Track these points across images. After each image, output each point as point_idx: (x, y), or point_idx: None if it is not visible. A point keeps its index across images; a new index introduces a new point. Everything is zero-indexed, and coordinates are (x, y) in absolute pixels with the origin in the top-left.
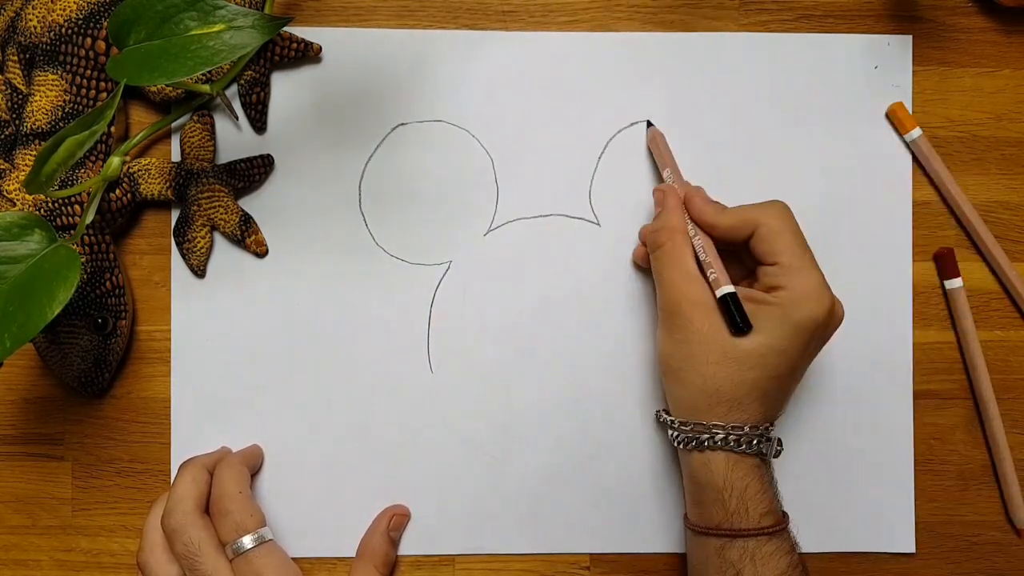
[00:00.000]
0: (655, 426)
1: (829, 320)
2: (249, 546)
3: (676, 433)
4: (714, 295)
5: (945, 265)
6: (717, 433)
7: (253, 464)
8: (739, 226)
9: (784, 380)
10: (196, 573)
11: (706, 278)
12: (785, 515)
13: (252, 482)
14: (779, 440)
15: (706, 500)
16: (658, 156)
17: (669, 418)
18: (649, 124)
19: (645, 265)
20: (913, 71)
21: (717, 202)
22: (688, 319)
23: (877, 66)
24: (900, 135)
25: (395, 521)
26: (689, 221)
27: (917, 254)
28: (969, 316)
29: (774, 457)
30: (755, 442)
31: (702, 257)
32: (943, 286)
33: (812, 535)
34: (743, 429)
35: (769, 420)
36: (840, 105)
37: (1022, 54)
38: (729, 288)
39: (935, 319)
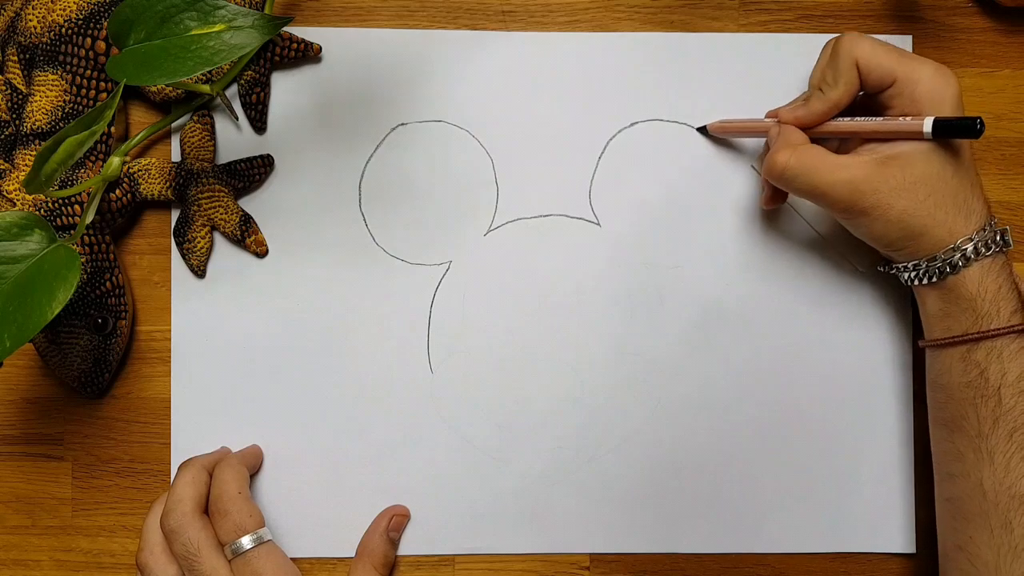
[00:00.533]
0: (655, 425)
1: (959, 86)
2: (248, 547)
3: (923, 272)
4: (921, 137)
5: None
6: (966, 248)
7: (252, 464)
8: (847, 80)
9: (972, 159)
10: (195, 573)
11: (875, 136)
12: None
13: (252, 482)
14: (1008, 228)
15: (955, 312)
16: (745, 131)
17: (909, 264)
18: (701, 129)
19: (772, 206)
20: None
21: (794, 103)
22: (878, 189)
23: None
24: None
25: (395, 522)
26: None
27: None
28: None
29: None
30: (998, 237)
31: (875, 123)
32: None
33: (812, 535)
34: (985, 230)
35: (988, 204)
36: None
37: (1022, 54)
38: (930, 117)
39: None
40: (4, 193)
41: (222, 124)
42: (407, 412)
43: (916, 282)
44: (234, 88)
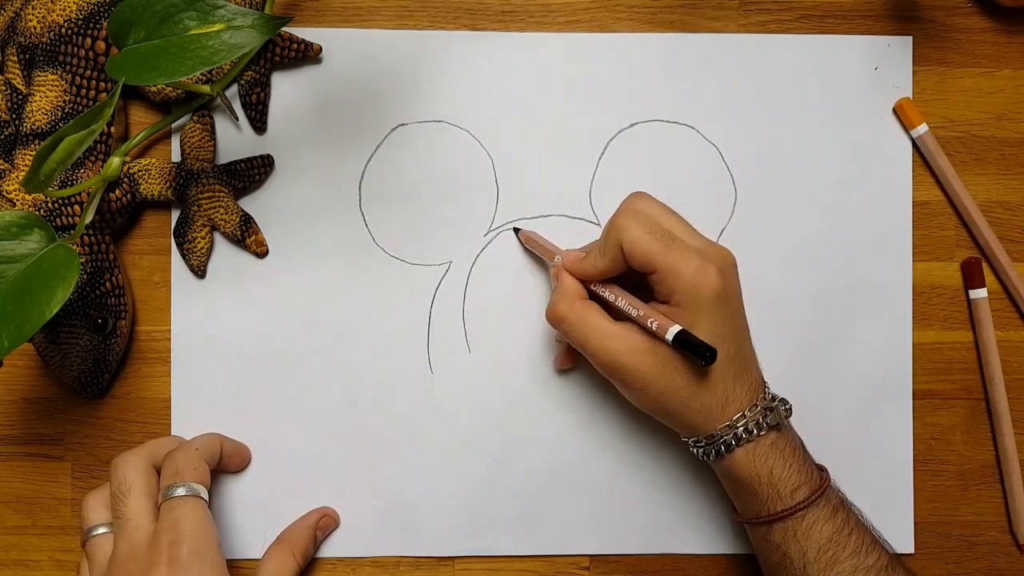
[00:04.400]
0: (655, 426)
1: (725, 275)
2: (178, 494)
3: (701, 451)
4: (664, 341)
5: (972, 274)
6: (725, 435)
7: (234, 455)
8: (616, 256)
9: (740, 340)
10: (117, 513)
11: (632, 320)
12: (821, 476)
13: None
14: (783, 400)
15: (741, 494)
16: (541, 252)
17: (689, 440)
18: (516, 231)
19: (565, 367)
20: (913, 71)
21: (584, 251)
22: (635, 368)
23: (877, 67)
24: (907, 130)
25: (324, 521)
26: (591, 285)
27: (917, 254)
28: (991, 327)
29: (787, 418)
30: (762, 419)
31: (632, 312)
32: (967, 295)
33: None
34: (745, 415)
35: (759, 385)
36: (840, 106)
37: (1022, 54)
38: (675, 327)
39: (935, 319)
40: (4, 193)
41: (222, 124)
42: (407, 412)
43: (703, 457)
44: (234, 88)
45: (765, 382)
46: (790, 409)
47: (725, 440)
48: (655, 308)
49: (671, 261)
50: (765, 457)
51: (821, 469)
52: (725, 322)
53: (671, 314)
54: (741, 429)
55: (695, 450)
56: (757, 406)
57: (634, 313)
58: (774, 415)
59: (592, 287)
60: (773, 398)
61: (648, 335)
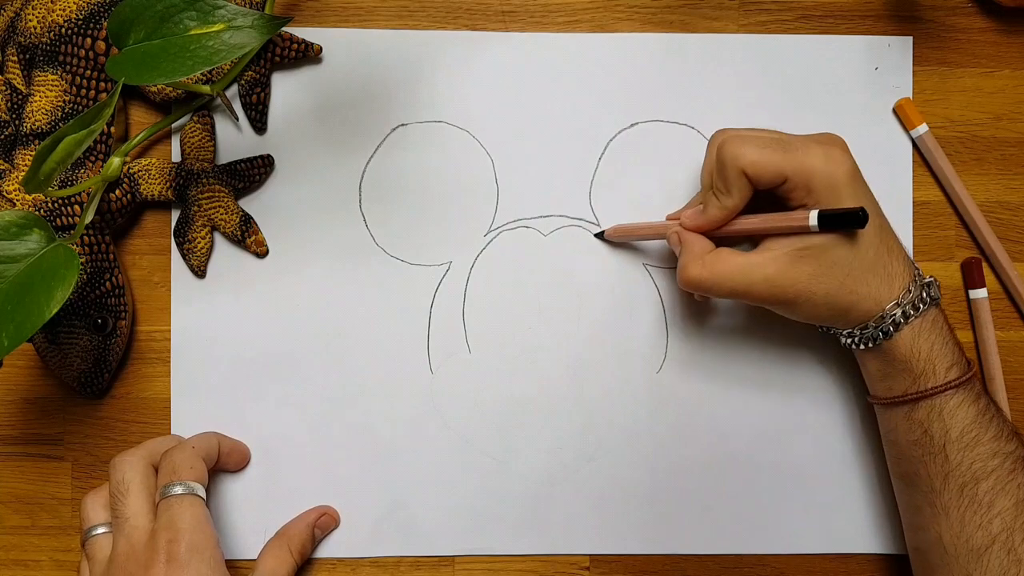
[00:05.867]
0: (654, 425)
1: (848, 153)
2: (175, 492)
3: (858, 339)
4: (811, 230)
5: (972, 274)
6: (894, 313)
7: (232, 453)
8: (739, 189)
9: (881, 213)
10: (115, 513)
11: (771, 234)
12: (969, 362)
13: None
14: (933, 279)
15: (893, 373)
16: (646, 234)
17: (844, 332)
18: (600, 235)
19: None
20: (913, 71)
21: (692, 208)
22: (795, 282)
23: (877, 67)
24: (906, 130)
25: (323, 520)
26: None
27: (917, 254)
28: (991, 327)
29: (940, 295)
30: (924, 294)
31: (769, 225)
32: (967, 295)
33: (811, 535)
34: (910, 290)
35: (909, 260)
36: (840, 106)
37: (1022, 54)
38: (815, 210)
39: None
40: (4, 193)
41: (222, 124)
42: (407, 412)
43: (854, 347)
44: (234, 88)
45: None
46: (939, 286)
47: (895, 319)
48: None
49: (799, 162)
50: (928, 333)
51: (968, 362)
52: (867, 196)
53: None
54: (908, 305)
55: (856, 341)
56: (916, 280)
57: (772, 221)
58: (935, 288)
59: (718, 232)
60: (932, 279)
61: (791, 245)
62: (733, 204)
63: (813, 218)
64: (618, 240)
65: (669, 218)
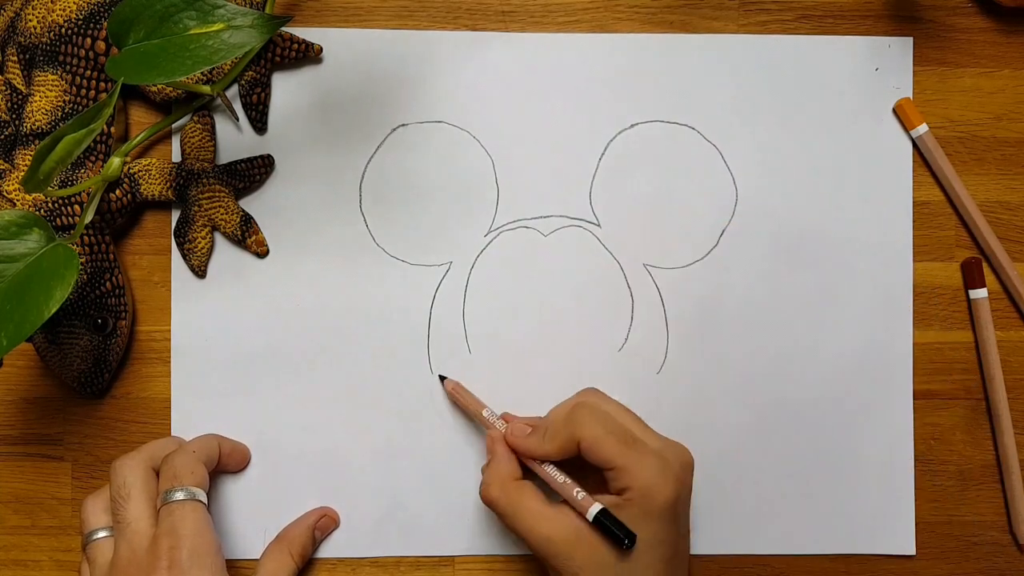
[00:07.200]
0: (654, 425)
1: (682, 482)
2: (177, 498)
3: None
4: (585, 519)
5: (972, 274)
6: None
7: (233, 453)
8: (566, 446)
9: (679, 554)
10: (118, 518)
11: (567, 501)
12: None
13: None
14: None
15: None
16: (465, 406)
17: None
18: (442, 379)
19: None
20: (913, 71)
21: (533, 426)
22: (568, 557)
23: (877, 68)
24: (906, 131)
25: (323, 522)
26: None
27: (917, 254)
28: (991, 327)
29: None
30: None
31: (559, 481)
32: (967, 295)
33: (812, 535)
34: None
35: None
36: (840, 107)
37: (1022, 54)
38: (597, 506)
39: (936, 319)
40: (4, 193)
41: (222, 124)
42: (407, 412)
43: None
44: (234, 88)
45: None
46: None
47: None
48: (605, 498)
49: (630, 462)
50: None
51: None
52: (671, 527)
53: (618, 506)
54: None
55: None
56: None
57: (565, 492)
58: None
59: (526, 462)
60: None
61: (581, 526)
62: (550, 451)
63: (593, 512)
64: (451, 398)
65: (504, 416)
